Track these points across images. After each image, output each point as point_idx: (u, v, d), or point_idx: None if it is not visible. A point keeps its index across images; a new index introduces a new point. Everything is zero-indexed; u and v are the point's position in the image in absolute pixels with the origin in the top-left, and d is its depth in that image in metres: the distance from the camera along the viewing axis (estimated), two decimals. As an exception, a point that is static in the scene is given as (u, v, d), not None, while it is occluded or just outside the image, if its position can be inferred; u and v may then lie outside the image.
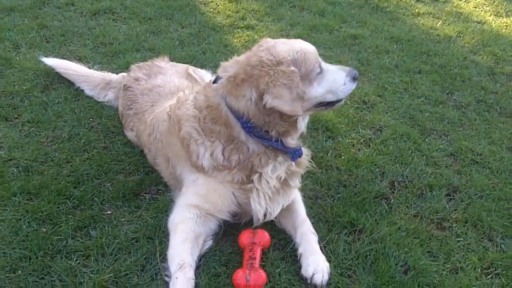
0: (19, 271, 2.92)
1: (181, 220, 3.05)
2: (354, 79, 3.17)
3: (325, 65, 3.13)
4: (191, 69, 4.39)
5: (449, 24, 7.10)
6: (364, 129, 4.52)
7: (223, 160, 3.06)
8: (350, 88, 3.17)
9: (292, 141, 3.10)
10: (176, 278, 2.79)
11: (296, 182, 3.29)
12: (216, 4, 7.00)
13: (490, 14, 7.68)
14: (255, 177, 3.07)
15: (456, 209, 3.74)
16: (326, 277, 2.99)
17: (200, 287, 2.90)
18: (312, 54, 3.04)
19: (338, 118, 4.60)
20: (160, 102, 3.81)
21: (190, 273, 2.84)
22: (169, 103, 3.55)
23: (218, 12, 6.75)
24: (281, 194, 3.19)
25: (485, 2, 8.17)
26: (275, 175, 3.10)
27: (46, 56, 4.91)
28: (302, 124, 3.15)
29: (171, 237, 3.02)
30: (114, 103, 4.45)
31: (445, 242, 3.45)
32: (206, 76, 4.38)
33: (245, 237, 3.14)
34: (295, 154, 3.16)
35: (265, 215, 3.15)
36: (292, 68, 2.90)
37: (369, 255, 3.23)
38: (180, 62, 5.13)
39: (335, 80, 3.11)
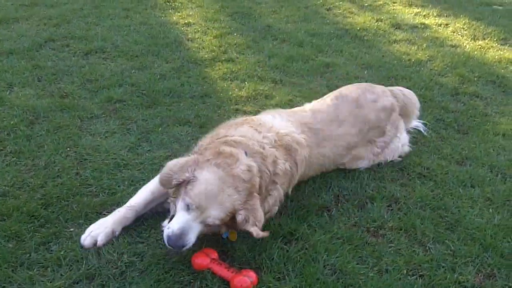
0: (-17, 281, 3.31)
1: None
2: None
3: None
4: None
5: (422, 49, 7.45)
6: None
7: None
8: None
9: None
10: (118, 211, 3.75)
11: None
12: (202, 40, 7.45)
13: (467, 38, 8.01)
14: None
15: (393, 218, 4.05)
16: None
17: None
18: None
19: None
20: None
21: (130, 214, 3.77)
22: None
23: (203, 47, 7.19)
24: None
25: (463, 27, 8.52)
26: None
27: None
28: None
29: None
30: None
31: (377, 248, 3.76)
32: None
33: (201, 259, 3.46)
34: None
35: None
36: None
37: (300, 259, 3.56)
38: (159, 95, 5.59)
39: None
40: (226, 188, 3.37)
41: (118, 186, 4.24)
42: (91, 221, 3.84)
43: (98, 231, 3.67)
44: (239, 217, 3.38)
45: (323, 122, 4.34)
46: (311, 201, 4.18)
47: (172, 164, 3.50)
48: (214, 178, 3.38)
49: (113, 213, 3.80)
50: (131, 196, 4.01)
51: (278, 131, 3.98)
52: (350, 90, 4.72)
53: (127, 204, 3.85)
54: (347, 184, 4.40)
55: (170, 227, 3.34)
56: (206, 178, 3.38)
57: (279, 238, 3.73)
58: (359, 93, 4.63)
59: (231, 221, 3.44)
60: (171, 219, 3.46)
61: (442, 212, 4.16)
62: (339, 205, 4.20)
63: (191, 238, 3.34)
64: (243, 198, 3.40)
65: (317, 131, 4.26)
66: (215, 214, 3.36)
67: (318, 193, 4.29)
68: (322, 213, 4.07)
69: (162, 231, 3.45)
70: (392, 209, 4.15)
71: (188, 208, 3.35)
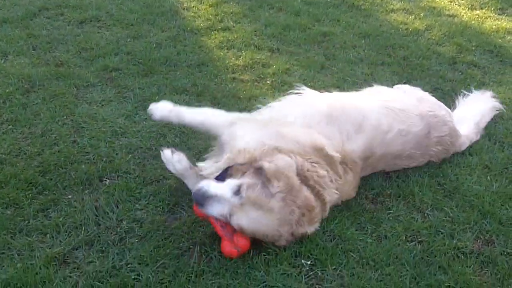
0: (-20, 248, 3.31)
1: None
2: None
3: None
4: None
5: (420, 18, 7.40)
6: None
7: None
8: None
9: None
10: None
11: None
12: (197, 8, 7.36)
13: (464, 8, 7.96)
14: None
15: (391, 186, 4.05)
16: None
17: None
18: None
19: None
20: None
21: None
22: None
23: (199, 16, 7.11)
24: None
25: (461, -4, 8.47)
26: None
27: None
28: None
29: None
30: None
31: (375, 215, 3.77)
32: None
33: None
34: None
35: None
36: None
37: (299, 226, 3.56)
38: (155, 64, 5.54)
39: None
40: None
41: (116, 154, 4.24)
42: (90, 188, 3.84)
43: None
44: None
45: None
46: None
47: None
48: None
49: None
50: (129, 164, 4.04)
51: None
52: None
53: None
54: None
55: (211, 187, 3.24)
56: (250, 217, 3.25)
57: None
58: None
59: None
60: (219, 177, 3.43)
61: (440, 180, 4.16)
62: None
63: (214, 207, 3.22)
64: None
65: None
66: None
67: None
68: (321, 181, 4.05)
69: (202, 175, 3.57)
70: (390, 177, 4.15)
71: (237, 193, 3.24)
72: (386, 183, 4.08)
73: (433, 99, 4.56)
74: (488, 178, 4.21)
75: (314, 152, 3.62)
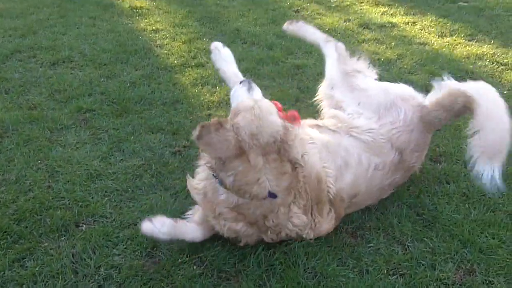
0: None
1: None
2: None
3: None
4: None
5: (391, 48, 7.48)
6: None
7: None
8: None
9: None
10: None
11: None
12: (171, 46, 7.39)
13: (434, 35, 8.08)
14: None
15: (370, 218, 4.04)
16: None
17: None
18: None
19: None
20: None
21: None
22: None
23: (172, 53, 7.13)
24: None
25: (430, 24, 8.59)
26: None
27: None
28: None
29: None
30: None
31: (356, 249, 3.75)
32: None
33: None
34: None
35: None
36: None
37: (280, 264, 3.53)
38: (130, 103, 5.52)
39: None
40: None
41: (92, 198, 4.18)
42: (66, 234, 3.78)
43: None
44: None
45: None
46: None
47: None
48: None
49: None
50: (105, 207, 3.99)
51: None
52: None
53: None
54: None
55: None
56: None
57: (259, 245, 3.68)
58: None
59: None
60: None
61: (419, 210, 4.16)
62: (316, 207, 4.16)
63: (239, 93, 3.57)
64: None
65: None
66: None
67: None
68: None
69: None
70: (369, 209, 4.13)
71: (249, 89, 3.56)
72: (365, 216, 4.06)
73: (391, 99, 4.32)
74: (467, 206, 4.21)
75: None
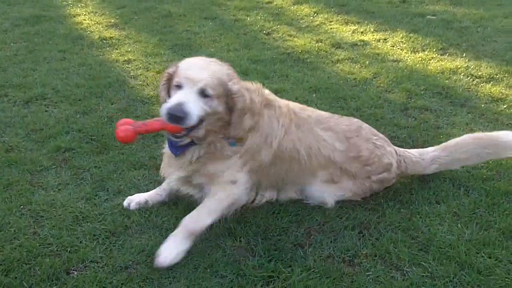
0: None
1: None
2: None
3: None
4: None
5: (366, 66, 7.53)
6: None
7: None
8: None
9: None
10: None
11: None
12: (144, 76, 7.32)
13: (406, 51, 8.16)
14: None
15: (366, 245, 4.00)
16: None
17: None
18: None
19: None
20: None
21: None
22: None
23: (147, 84, 7.06)
24: None
25: (402, 40, 8.68)
26: None
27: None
28: None
29: None
30: None
31: (355, 278, 3.70)
32: None
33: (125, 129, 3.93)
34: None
35: None
36: None
37: (281, 301, 3.47)
38: (109, 139, 5.41)
39: None
40: (211, 63, 3.80)
41: (80, 242, 4.07)
42: (57, 283, 3.66)
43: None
44: (230, 85, 3.73)
45: None
46: (282, 238, 4.09)
47: None
48: (198, 59, 3.88)
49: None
50: (95, 251, 3.88)
51: None
52: None
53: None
54: (318, 217, 4.33)
55: (167, 104, 3.54)
56: (189, 60, 3.84)
57: (258, 281, 3.62)
58: None
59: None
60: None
61: (413, 233, 4.14)
62: (311, 238, 4.12)
63: (192, 108, 3.52)
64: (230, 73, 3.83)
65: None
66: (207, 80, 3.60)
67: (288, 229, 4.20)
68: (296, 249, 3.98)
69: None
70: (364, 235, 4.11)
71: (180, 87, 3.62)
72: (361, 242, 4.03)
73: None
74: (459, 225, 4.21)
75: None
